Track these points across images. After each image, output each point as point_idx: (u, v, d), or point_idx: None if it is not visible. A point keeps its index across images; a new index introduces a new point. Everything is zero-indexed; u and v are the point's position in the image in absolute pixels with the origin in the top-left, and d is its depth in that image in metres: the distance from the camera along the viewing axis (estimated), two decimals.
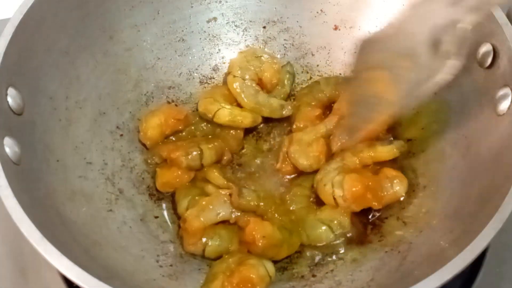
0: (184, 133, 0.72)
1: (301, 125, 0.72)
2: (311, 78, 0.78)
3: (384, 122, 0.64)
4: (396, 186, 0.65)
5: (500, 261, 0.64)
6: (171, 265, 0.62)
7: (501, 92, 0.59)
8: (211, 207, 0.64)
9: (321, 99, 0.75)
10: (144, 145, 0.72)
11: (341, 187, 0.64)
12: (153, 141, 0.71)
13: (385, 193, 0.64)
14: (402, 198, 0.66)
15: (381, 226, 0.65)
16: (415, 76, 0.59)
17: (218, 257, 0.63)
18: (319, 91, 0.75)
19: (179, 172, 0.68)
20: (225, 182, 0.66)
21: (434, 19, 0.57)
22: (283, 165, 0.70)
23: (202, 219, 0.63)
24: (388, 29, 0.64)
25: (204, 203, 0.64)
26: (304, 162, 0.69)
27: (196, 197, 0.66)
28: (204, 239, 0.63)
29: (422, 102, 0.61)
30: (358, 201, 0.64)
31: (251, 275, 0.59)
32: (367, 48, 0.65)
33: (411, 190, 0.67)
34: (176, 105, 0.76)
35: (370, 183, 0.64)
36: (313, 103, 0.74)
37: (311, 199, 0.68)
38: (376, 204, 0.64)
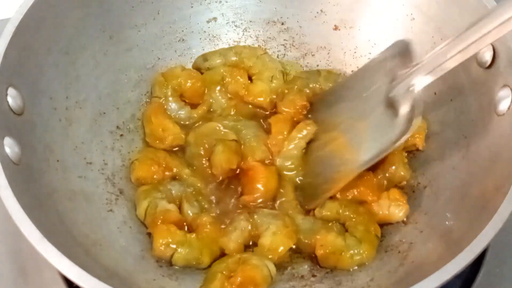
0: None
1: (286, 109, 0.72)
2: None
3: (348, 180, 0.63)
4: (395, 210, 0.64)
5: (500, 261, 0.64)
6: (171, 265, 0.62)
7: (501, 92, 0.59)
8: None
9: (314, 89, 0.74)
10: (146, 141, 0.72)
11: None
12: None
13: (380, 212, 0.64)
14: (400, 221, 0.65)
15: (381, 226, 0.65)
16: (372, 137, 0.61)
17: (186, 266, 0.62)
18: (316, 82, 0.75)
19: (157, 168, 0.67)
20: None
21: (388, 80, 0.59)
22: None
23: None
24: (338, 89, 0.65)
25: None
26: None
27: (155, 200, 0.64)
28: (174, 245, 0.61)
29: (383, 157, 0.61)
30: None
31: (255, 275, 0.59)
32: (317, 110, 0.66)
33: (411, 190, 0.67)
34: None
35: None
36: (305, 90, 0.74)
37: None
38: None
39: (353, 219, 0.64)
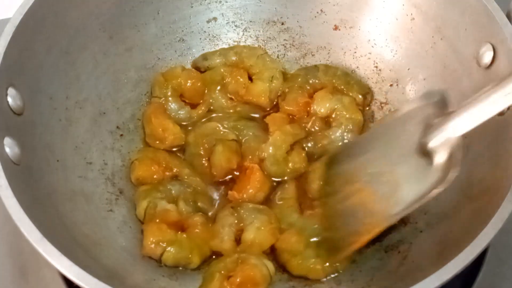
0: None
1: (289, 108, 0.72)
2: None
3: (376, 232, 0.59)
4: None
5: (500, 261, 0.64)
6: (171, 265, 0.62)
7: None
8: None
9: (315, 85, 0.74)
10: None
11: None
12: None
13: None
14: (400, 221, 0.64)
15: None
16: (402, 188, 0.57)
17: (175, 265, 0.62)
18: (315, 77, 0.75)
19: (157, 168, 0.67)
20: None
21: (422, 129, 0.56)
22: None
23: None
24: (360, 143, 0.64)
25: None
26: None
27: (154, 200, 0.65)
28: (164, 244, 0.61)
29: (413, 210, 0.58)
30: None
31: (254, 275, 0.59)
32: (338, 162, 0.64)
33: None
34: None
35: None
36: (305, 87, 0.74)
37: None
38: None
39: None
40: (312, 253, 0.62)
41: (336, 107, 0.72)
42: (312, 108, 0.72)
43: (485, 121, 0.51)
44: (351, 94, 0.74)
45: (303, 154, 0.69)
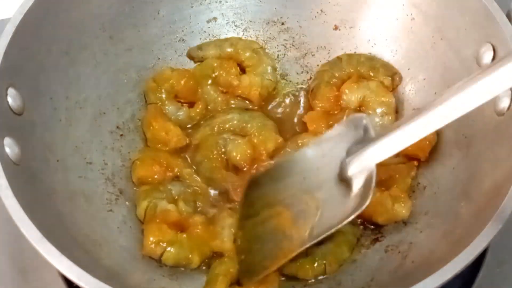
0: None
1: (321, 105, 0.72)
2: (311, 78, 0.78)
3: (289, 257, 0.59)
4: (399, 207, 0.63)
5: (500, 261, 0.64)
6: (171, 265, 0.62)
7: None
8: None
9: (342, 77, 0.74)
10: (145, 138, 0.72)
11: None
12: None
13: (384, 210, 0.63)
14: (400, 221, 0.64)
15: (381, 226, 0.65)
16: (320, 213, 0.58)
17: (175, 265, 0.62)
18: (340, 69, 0.74)
19: (159, 168, 0.68)
20: None
21: (341, 156, 0.57)
22: None
23: None
24: (283, 166, 0.64)
25: None
26: None
27: (154, 200, 0.65)
28: (164, 244, 0.61)
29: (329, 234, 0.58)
30: None
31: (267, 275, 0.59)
32: (259, 184, 0.64)
33: (411, 190, 0.67)
34: None
35: None
36: (333, 81, 0.74)
37: None
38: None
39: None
40: (301, 253, 0.61)
41: (365, 94, 0.71)
42: (342, 102, 0.72)
43: (400, 151, 0.52)
44: (378, 78, 0.73)
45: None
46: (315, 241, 0.58)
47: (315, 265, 0.61)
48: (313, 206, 0.59)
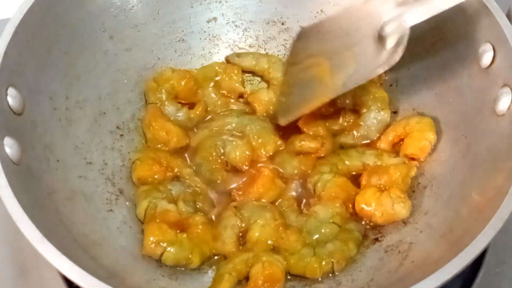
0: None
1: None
2: None
3: (322, 102, 0.68)
4: (398, 207, 0.63)
5: (500, 261, 0.64)
6: (171, 265, 0.62)
7: (501, 92, 0.59)
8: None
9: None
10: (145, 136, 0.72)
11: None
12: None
13: (384, 210, 0.64)
14: (400, 221, 0.64)
15: (381, 226, 0.65)
16: (355, 65, 0.65)
17: (175, 265, 0.62)
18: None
19: (159, 168, 0.68)
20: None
21: (381, 16, 0.63)
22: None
23: None
24: (330, 22, 0.69)
25: None
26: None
27: (154, 200, 0.65)
28: (164, 244, 0.61)
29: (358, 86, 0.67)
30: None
31: (274, 271, 0.60)
32: (307, 36, 0.69)
33: (411, 190, 0.67)
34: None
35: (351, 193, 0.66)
36: None
37: None
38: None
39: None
40: (309, 252, 0.62)
41: (356, 92, 0.72)
42: (336, 102, 0.73)
43: (434, 15, 0.59)
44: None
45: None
46: (348, 89, 0.66)
47: (323, 263, 0.61)
48: (350, 59, 0.66)
